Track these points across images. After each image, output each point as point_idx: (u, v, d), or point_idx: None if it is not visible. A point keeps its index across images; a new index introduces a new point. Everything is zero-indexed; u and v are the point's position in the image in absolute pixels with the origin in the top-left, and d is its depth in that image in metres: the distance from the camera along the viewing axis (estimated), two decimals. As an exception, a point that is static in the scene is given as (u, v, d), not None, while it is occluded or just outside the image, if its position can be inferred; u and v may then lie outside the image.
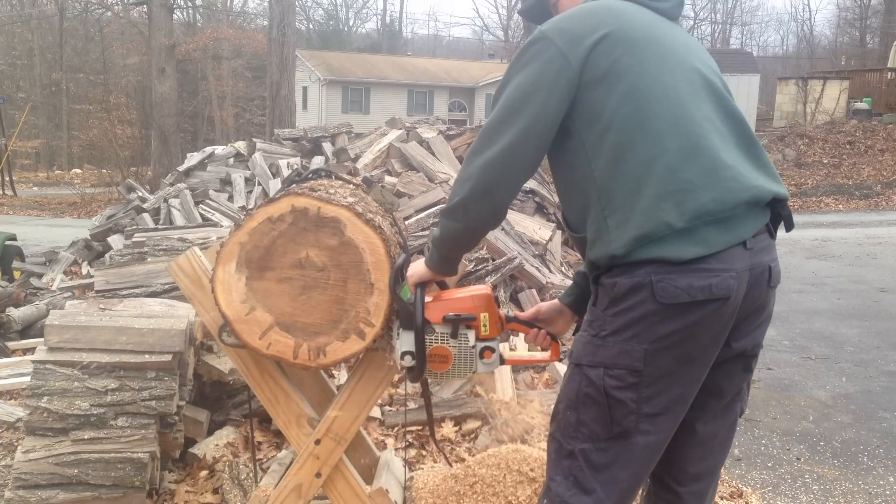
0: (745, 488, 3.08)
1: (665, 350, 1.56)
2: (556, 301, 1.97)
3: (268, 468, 2.53)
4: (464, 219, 1.67)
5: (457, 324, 1.79)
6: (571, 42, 1.58)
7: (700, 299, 1.52)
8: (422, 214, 5.27)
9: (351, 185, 2.17)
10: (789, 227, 1.71)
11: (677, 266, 1.52)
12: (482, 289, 1.86)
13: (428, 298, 1.82)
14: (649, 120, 1.55)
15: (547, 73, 1.58)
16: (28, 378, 2.53)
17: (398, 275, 1.84)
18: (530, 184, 6.60)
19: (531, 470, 2.65)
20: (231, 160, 8.31)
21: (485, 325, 1.80)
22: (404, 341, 1.80)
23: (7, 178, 18.80)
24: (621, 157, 1.55)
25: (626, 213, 1.55)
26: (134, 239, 4.78)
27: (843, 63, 31.25)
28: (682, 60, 1.63)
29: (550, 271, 5.07)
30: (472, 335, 1.79)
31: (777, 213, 1.67)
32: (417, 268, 1.82)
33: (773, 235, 1.67)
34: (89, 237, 7.55)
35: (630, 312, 1.56)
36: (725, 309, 1.55)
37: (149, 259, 3.83)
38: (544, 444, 3.03)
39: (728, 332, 1.61)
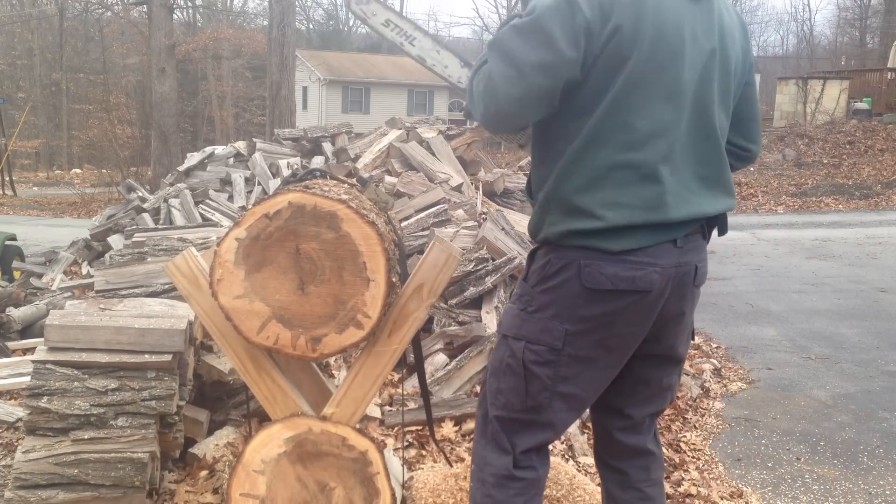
0: (745, 488, 3.08)
1: (584, 333, 1.63)
2: None
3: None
4: None
5: None
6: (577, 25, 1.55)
7: (622, 289, 1.58)
8: (422, 214, 5.26)
9: (345, 185, 2.17)
10: (722, 231, 1.79)
11: (607, 254, 1.58)
12: None
13: None
14: (619, 129, 1.57)
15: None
16: (28, 378, 2.53)
17: None
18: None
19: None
20: (231, 160, 8.30)
21: None
22: None
23: (7, 178, 18.79)
24: (588, 150, 1.59)
25: (570, 206, 1.61)
26: (134, 239, 4.77)
27: (843, 63, 31.24)
28: (681, 66, 1.58)
29: (550, 271, 5.07)
30: None
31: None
32: None
33: (705, 237, 1.74)
34: (89, 237, 7.55)
35: (556, 291, 1.63)
36: (645, 301, 1.61)
37: (149, 259, 3.83)
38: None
39: (650, 325, 1.66)
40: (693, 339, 1.88)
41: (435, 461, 3.03)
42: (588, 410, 1.89)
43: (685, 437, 3.56)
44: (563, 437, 3.25)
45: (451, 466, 2.67)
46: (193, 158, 8.44)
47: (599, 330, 1.62)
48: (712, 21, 1.64)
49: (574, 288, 1.60)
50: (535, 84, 1.53)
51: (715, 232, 1.79)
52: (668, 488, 2.93)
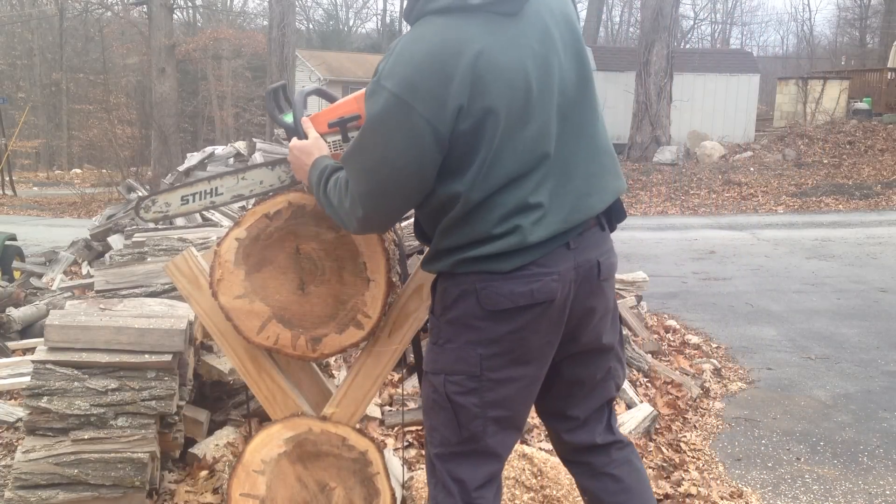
0: (745, 488, 3.08)
1: (499, 355, 1.61)
2: None
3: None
4: None
5: (344, 126, 1.77)
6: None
7: (522, 304, 1.56)
8: (422, 214, 5.26)
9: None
10: (620, 218, 1.74)
11: (500, 274, 1.56)
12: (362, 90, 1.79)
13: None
14: (494, 179, 1.54)
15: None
16: (28, 378, 2.53)
17: (279, 99, 1.91)
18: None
19: (532, 476, 2.65)
20: (231, 160, 8.30)
21: None
22: None
23: (7, 178, 18.78)
24: (470, 206, 1.56)
25: (459, 246, 1.59)
26: (134, 239, 4.76)
27: (843, 63, 31.21)
28: (532, 97, 1.53)
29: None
30: None
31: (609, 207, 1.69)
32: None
33: (604, 228, 1.69)
34: (89, 237, 7.55)
35: (461, 319, 1.62)
36: (551, 310, 1.59)
37: (149, 259, 3.83)
38: (544, 445, 3.03)
39: (562, 329, 1.64)
40: (620, 323, 1.85)
41: (435, 461, 3.03)
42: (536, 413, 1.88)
43: (685, 437, 3.56)
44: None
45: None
46: (193, 158, 8.45)
47: (513, 348, 1.60)
48: (542, 21, 1.56)
49: (476, 312, 1.59)
50: (396, 192, 1.56)
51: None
52: (668, 488, 2.94)
